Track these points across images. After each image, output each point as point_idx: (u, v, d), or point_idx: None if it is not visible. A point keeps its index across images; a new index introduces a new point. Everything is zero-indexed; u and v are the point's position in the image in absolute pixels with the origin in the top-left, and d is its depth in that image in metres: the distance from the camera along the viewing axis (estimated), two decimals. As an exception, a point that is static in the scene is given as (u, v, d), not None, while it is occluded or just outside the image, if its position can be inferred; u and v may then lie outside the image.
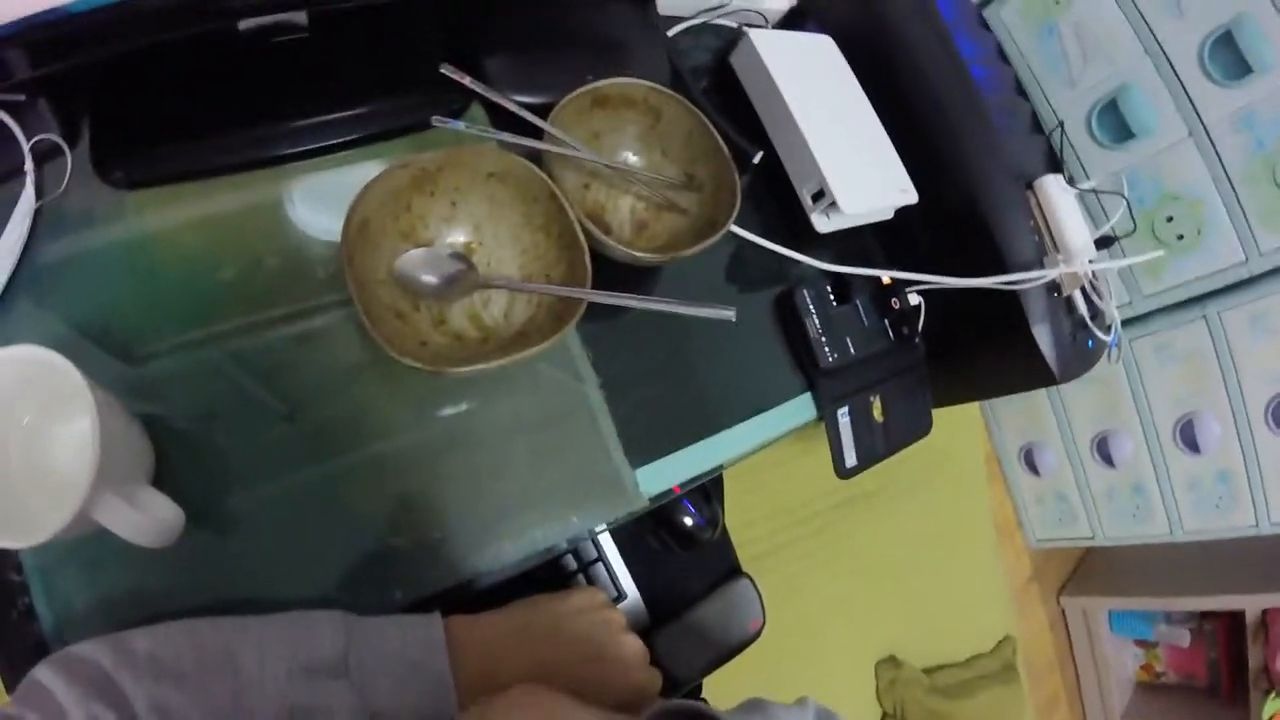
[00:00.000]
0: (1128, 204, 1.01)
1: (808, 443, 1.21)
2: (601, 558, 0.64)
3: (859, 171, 0.68)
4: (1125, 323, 1.35)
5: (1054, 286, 0.76)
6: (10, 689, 0.38)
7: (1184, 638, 1.65)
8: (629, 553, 0.65)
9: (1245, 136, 1.14)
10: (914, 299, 0.74)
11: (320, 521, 0.48)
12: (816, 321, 0.66)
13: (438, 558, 0.49)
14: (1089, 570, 1.85)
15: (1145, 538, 1.51)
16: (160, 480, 0.44)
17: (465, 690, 0.42)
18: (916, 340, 0.73)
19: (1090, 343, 0.80)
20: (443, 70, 0.51)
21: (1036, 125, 0.89)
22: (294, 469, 0.48)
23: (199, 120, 0.51)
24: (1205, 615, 1.64)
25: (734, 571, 0.71)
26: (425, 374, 0.44)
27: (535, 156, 0.53)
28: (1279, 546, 1.37)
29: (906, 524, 1.41)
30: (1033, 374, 0.76)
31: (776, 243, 0.67)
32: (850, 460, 0.67)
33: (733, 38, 0.71)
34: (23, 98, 0.47)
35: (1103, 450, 1.50)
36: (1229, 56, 1.11)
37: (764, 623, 0.69)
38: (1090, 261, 0.77)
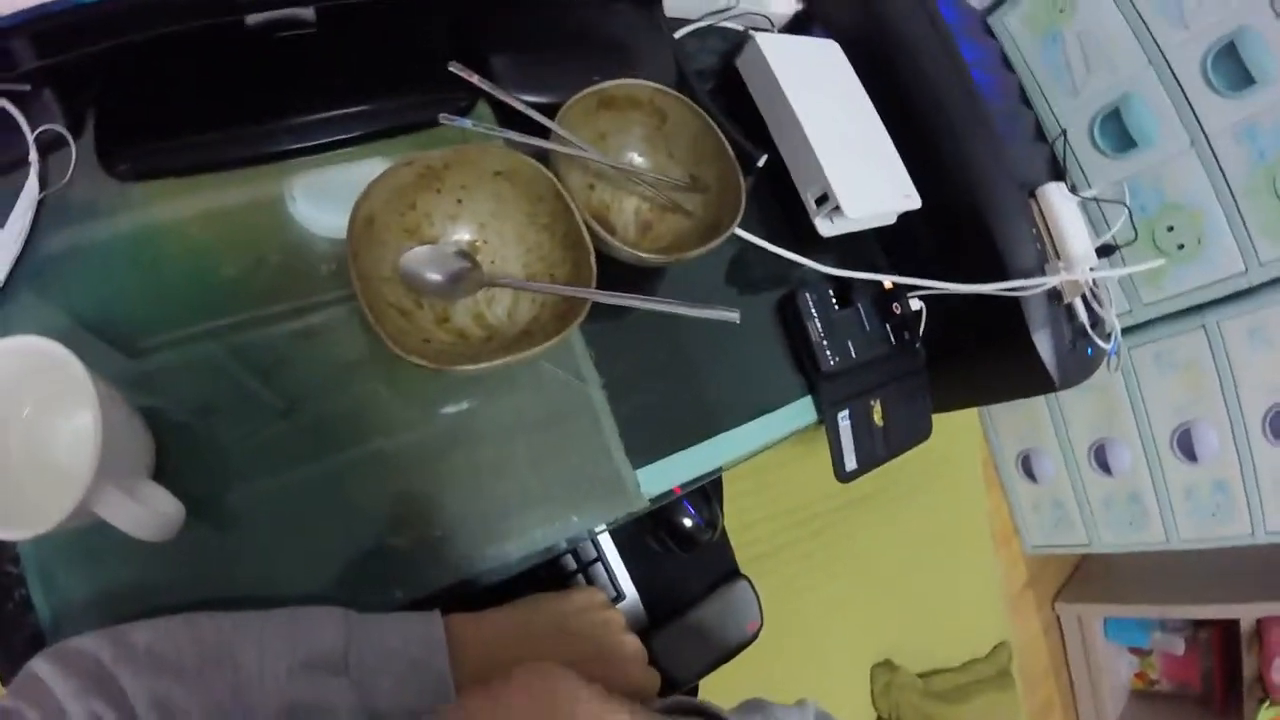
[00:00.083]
0: (1129, 212, 1.01)
1: (807, 445, 1.21)
2: (601, 558, 0.64)
3: (863, 176, 0.68)
4: (1125, 331, 1.35)
5: (1055, 294, 0.76)
6: (6, 682, 0.38)
7: (1179, 646, 1.66)
8: (628, 553, 0.65)
9: (1247, 147, 1.14)
10: (915, 304, 0.74)
11: (321, 518, 0.47)
12: (818, 325, 0.66)
13: (438, 556, 0.49)
14: (1085, 577, 1.86)
15: (1141, 546, 1.51)
16: (160, 474, 0.44)
17: (465, 689, 0.42)
18: (917, 345, 0.73)
19: (1090, 350, 0.81)
20: (451, 68, 0.51)
21: (1040, 133, 0.90)
22: (295, 465, 0.48)
23: (205, 114, 0.51)
24: (1200, 623, 1.65)
25: (733, 573, 0.71)
26: (428, 372, 0.44)
27: (541, 156, 0.53)
28: (1275, 556, 1.37)
29: (904, 528, 1.41)
30: (1032, 380, 0.76)
31: (780, 246, 0.67)
32: (850, 464, 0.67)
33: (739, 41, 0.71)
34: (28, 88, 0.47)
35: (1100, 458, 1.50)
36: (1232, 67, 1.11)
37: (762, 624, 0.69)
38: (1091, 269, 0.77)
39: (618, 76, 0.57)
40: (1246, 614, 1.46)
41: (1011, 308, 0.74)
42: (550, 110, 0.54)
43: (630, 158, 0.61)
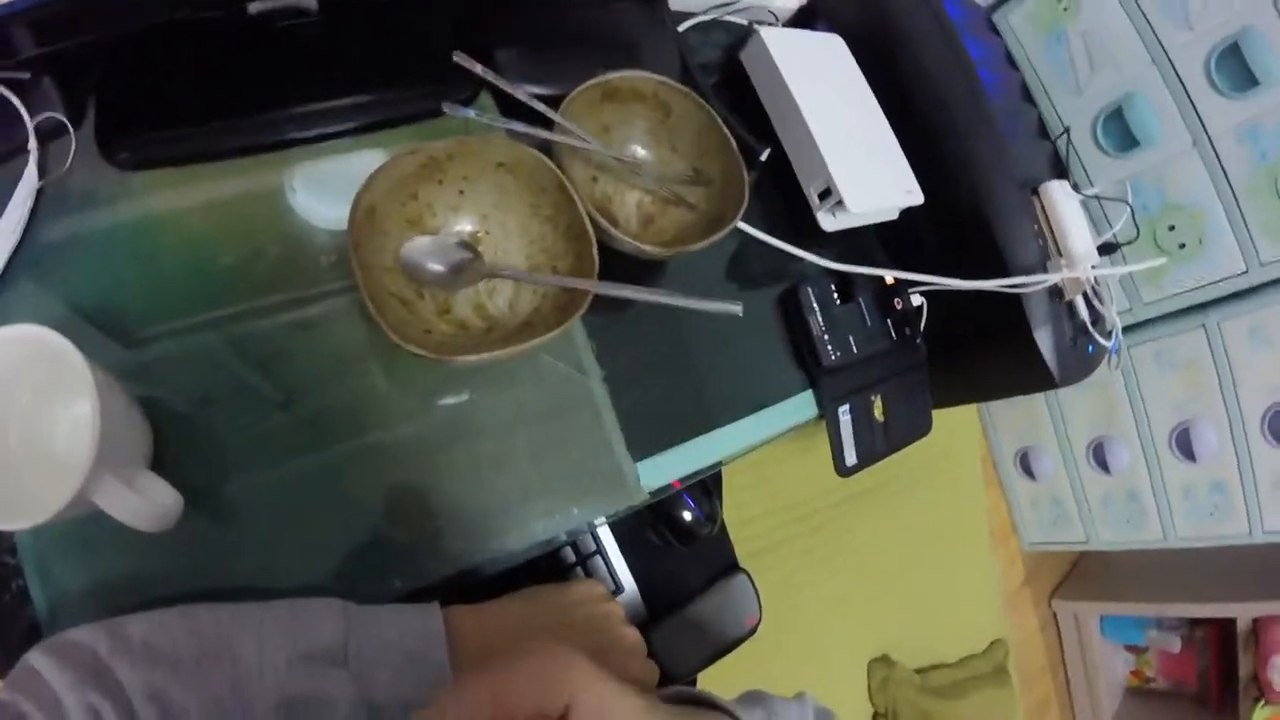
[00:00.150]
0: (1131, 211, 1.01)
1: (806, 441, 1.21)
2: (600, 551, 0.64)
3: (866, 171, 0.68)
4: (1125, 329, 1.34)
5: (1056, 291, 0.76)
6: (3, 674, 0.38)
7: (1175, 644, 1.66)
8: (628, 546, 0.65)
9: (1249, 148, 1.14)
10: (917, 299, 0.74)
11: (320, 509, 0.47)
12: (820, 319, 0.66)
13: (437, 547, 0.49)
14: (1082, 575, 1.86)
15: (1139, 544, 1.51)
16: (158, 464, 0.43)
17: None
18: (918, 340, 0.73)
19: (1090, 348, 0.81)
20: (454, 58, 0.51)
21: (1043, 130, 0.90)
22: (294, 456, 0.47)
23: (206, 102, 0.51)
24: (1196, 622, 1.65)
25: (732, 567, 0.71)
26: (429, 362, 0.44)
27: (544, 148, 0.53)
28: (1272, 555, 1.37)
29: (903, 524, 1.41)
30: (1033, 377, 0.76)
31: (782, 240, 0.67)
32: (850, 459, 0.67)
33: (743, 35, 0.71)
34: (28, 75, 0.47)
35: (1099, 456, 1.50)
36: (1235, 68, 1.11)
37: (760, 619, 0.69)
38: (1093, 267, 0.77)
39: (622, 69, 0.57)
40: (1243, 613, 1.46)
41: (1013, 304, 0.73)
42: (553, 102, 0.54)
43: (633, 150, 0.61)
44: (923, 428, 0.75)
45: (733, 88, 0.70)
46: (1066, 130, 1.00)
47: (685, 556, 0.68)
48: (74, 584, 0.42)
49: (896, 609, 1.37)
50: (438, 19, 0.57)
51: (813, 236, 0.68)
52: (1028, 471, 1.65)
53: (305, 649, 0.38)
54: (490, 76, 0.53)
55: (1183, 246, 1.25)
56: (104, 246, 0.47)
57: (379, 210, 0.48)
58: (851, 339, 0.67)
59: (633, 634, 0.50)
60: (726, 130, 0.59)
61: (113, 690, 0.34)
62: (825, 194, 0.66)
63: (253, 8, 0.49)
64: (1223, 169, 1.17)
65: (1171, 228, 1.24)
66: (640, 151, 0.61)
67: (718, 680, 0.63)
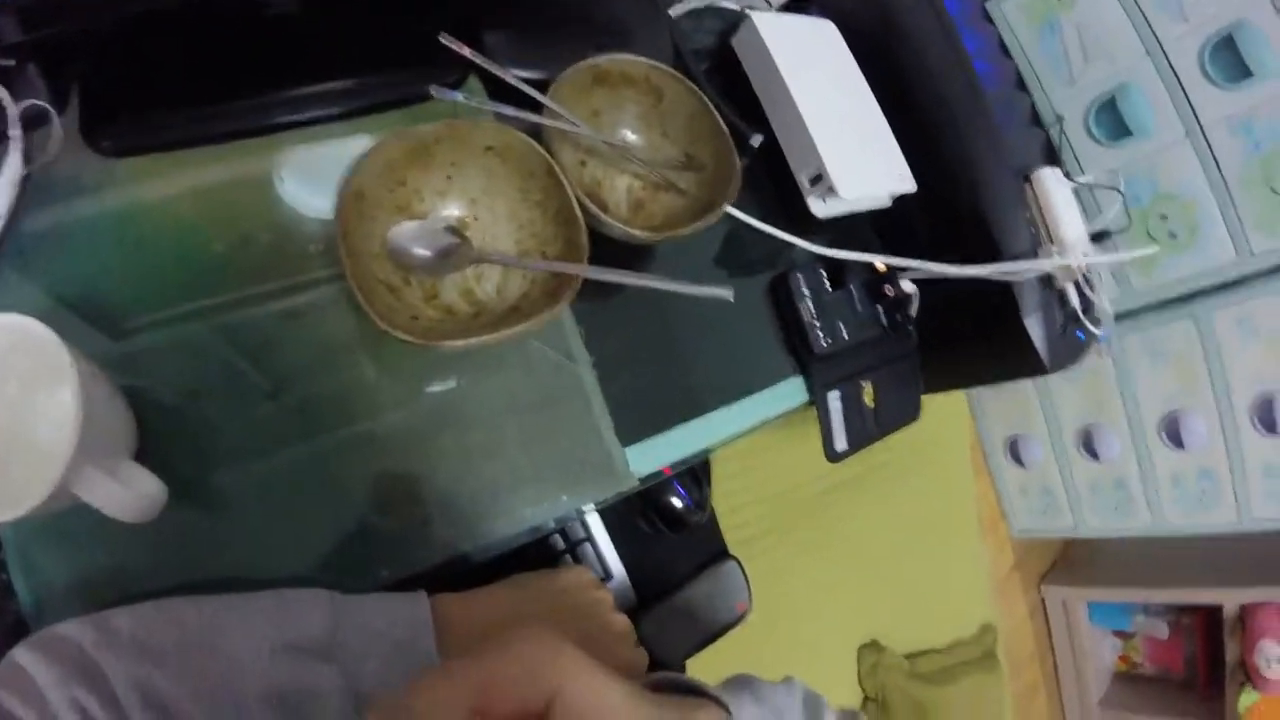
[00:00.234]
0: (1123, 200, 1.01)
1: (794, 429, 1.21)
2: (589, 538, 0.64)
3: (857, 157, 0.67)
4: (1115, 318, 1.35)
5: (1047, 278, 0.76)
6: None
7: (1162, 630, 1.68)
8: (617, 533, 0.65)
9: (1242, 139, 1.14)
10: (908, 286, 0.74)
11: (306, 499, 0.47)
12: (810, 306, 0.66)
13: (425, 536, 0.49)
14: (1070, 561, 1.88)
15: (1127, 531, 1.53)
16: (144, 455, 0.43)
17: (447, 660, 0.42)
18: (910, 327, 0.73)
19: (1081, 335, 0.81)
20: (441, 40, 0.50)
21: (1036, 119, 0.89)
22: (280, 445, 0.47)
23: (191, 88, 0.50)
24: (1184, 609, 1.67)
25: (721, 554, 0.71)
26: (416, 349, 0.44)
27: (533, 132, 0.52)
28: (1259, 543, 1.39)
29: (892, 511, 1.42)
30: (1023, 363, 0.77)
31: (773, 226, 0.66)
32: (840, 444, 0.67)
33: (735, 20, 0.71)
34: (12, 62, 0.46)
35: (1088, 444, 1.51)
36: (1229, 60, 1.11)
37: (750, 605, 0.69)
38: (1085, 255, 0.77)
39: (612, 53, 0.57)
40: (1230, 600, 1.47)
41: (1004, 291, 0.73)
42: (543, 86, 0.53)
43: (624, 135, 0.60)
44: (912, 413, 0.75)
45: (725, 74, 0.70)
46: (1060, 118, 1.00)
47: (675, 543, 0.68)
48: (60, 577, 0.41)
49: (886, 595, 1.38)
50: (424, 2, 0.57)
51: (804, 223, 0.67)
52: (1017, 459, 1.66)
53: (293, 639, 0.38)
54: (478, 59, 0.52)
55: (1174, 236, 1.25)
56: (89, 235, 0.46)
57: (367, 196, 0.47)
58: (842, 325, 0.67)
59: (622, 621, 0.50)
60: (718, 116, 0.58)
61: (99, 684, 0.33)
62: (817, 179, 0.66)
63: (237, -10, 0.48)
64: (1215, 160, 1.18)
65: (1163, 217, 1.25)
66: (631, 136, 0.61)
67: (708, 666, 0.64)
